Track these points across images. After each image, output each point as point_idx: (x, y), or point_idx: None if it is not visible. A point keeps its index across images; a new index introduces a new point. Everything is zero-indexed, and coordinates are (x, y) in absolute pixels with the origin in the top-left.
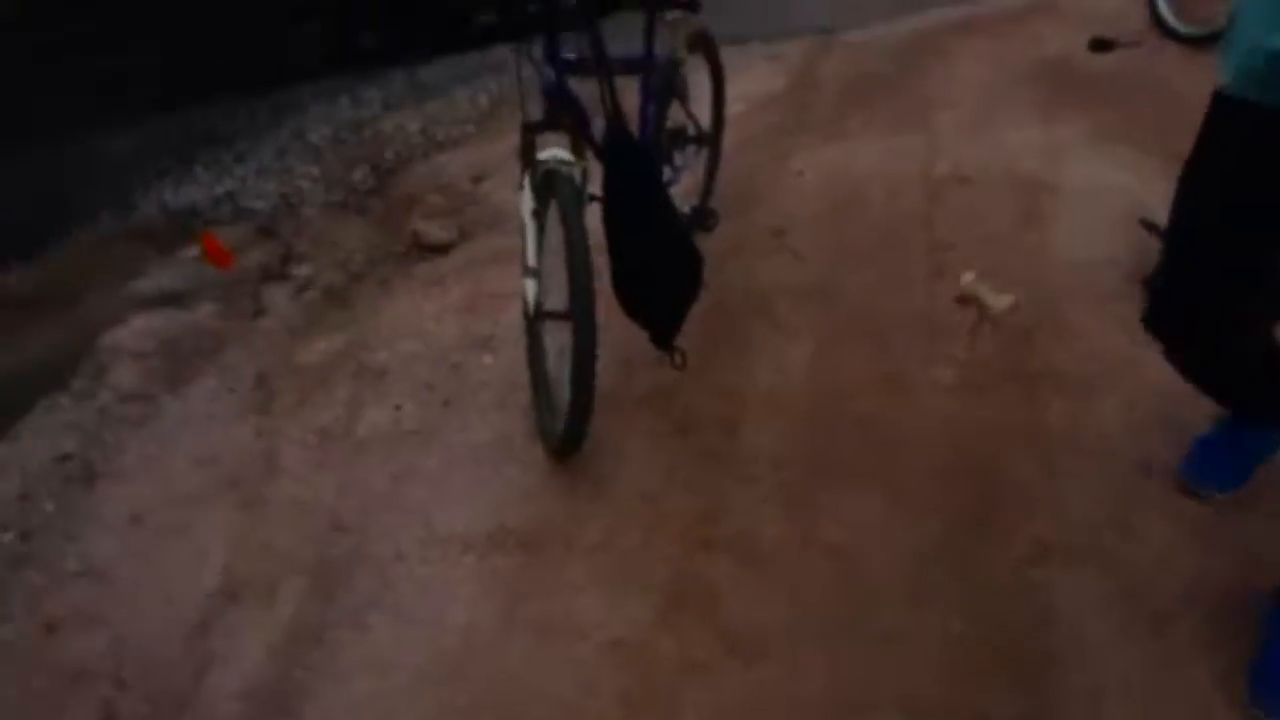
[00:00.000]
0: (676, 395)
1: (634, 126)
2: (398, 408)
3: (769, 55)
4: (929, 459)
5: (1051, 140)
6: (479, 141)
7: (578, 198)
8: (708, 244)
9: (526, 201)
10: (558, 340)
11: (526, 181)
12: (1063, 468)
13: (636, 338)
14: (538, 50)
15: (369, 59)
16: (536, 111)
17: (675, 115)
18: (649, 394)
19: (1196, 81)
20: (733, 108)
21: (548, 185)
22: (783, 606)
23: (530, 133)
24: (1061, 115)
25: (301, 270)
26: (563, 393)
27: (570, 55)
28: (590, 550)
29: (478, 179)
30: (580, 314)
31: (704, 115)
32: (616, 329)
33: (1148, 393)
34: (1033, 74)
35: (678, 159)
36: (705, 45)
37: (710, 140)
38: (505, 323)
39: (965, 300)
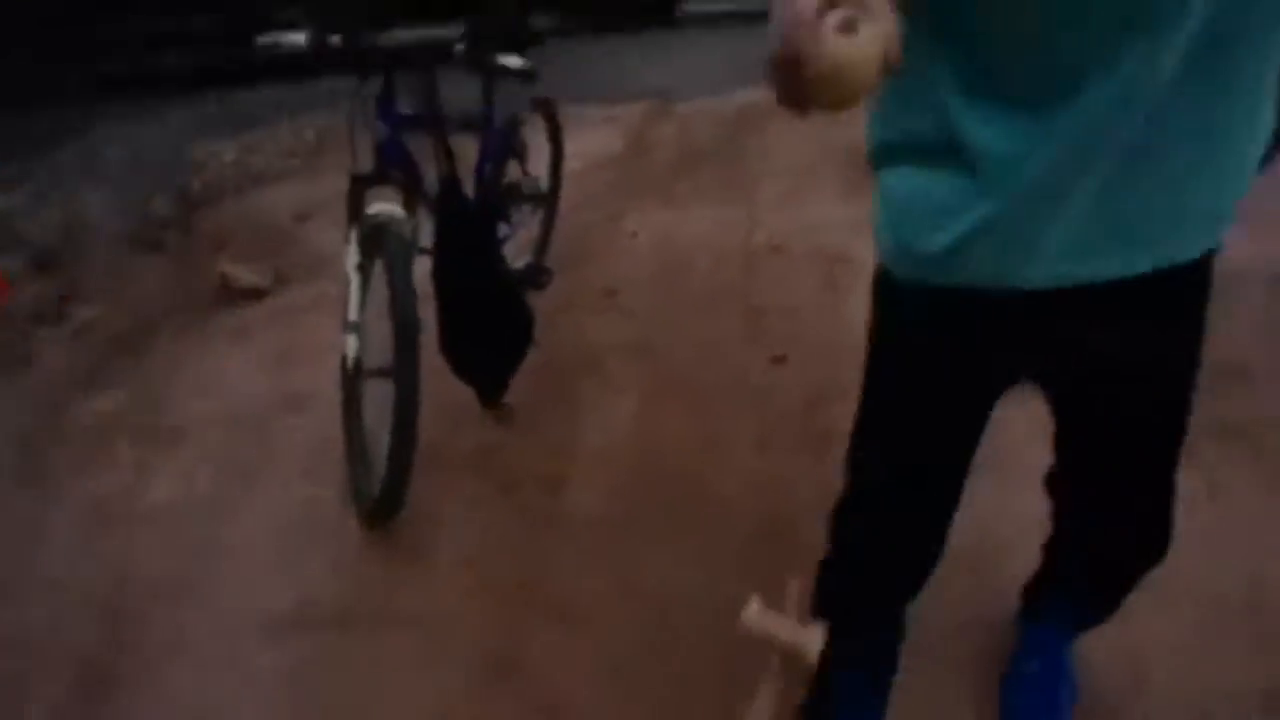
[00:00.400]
0: (501, 453)
1: (469, 183)
2: (190, 476)
3: (607, 117)
4: (739, 515)
5: (851, 216)
6: (303, 177)
7: (406, 254)
8: (541, 301)
9: (351, 255)
10: (376, 399)
11: (353, 235)
12: None
13: (461, 394)
14: (371, 103)
15: (177, 76)
16: (367, 162)
17: (512, 173)
18: (473, 452)
19: None
20: (570, 165)
21: (375, 239)
22: (604, 667)
23: (360, 185)
24: (862, 193)
25: (82, 312)
26: (380, 454)
27: (405, 110)
28: (404, 623)
29: (301, 217)
30: (404, 372)
31: (542, 174)
32: (439, 385)
33: None
34: (841, 153)
35: (514, 216)
36: (544, 107)
37: (547, 200)
38: (321, 378)
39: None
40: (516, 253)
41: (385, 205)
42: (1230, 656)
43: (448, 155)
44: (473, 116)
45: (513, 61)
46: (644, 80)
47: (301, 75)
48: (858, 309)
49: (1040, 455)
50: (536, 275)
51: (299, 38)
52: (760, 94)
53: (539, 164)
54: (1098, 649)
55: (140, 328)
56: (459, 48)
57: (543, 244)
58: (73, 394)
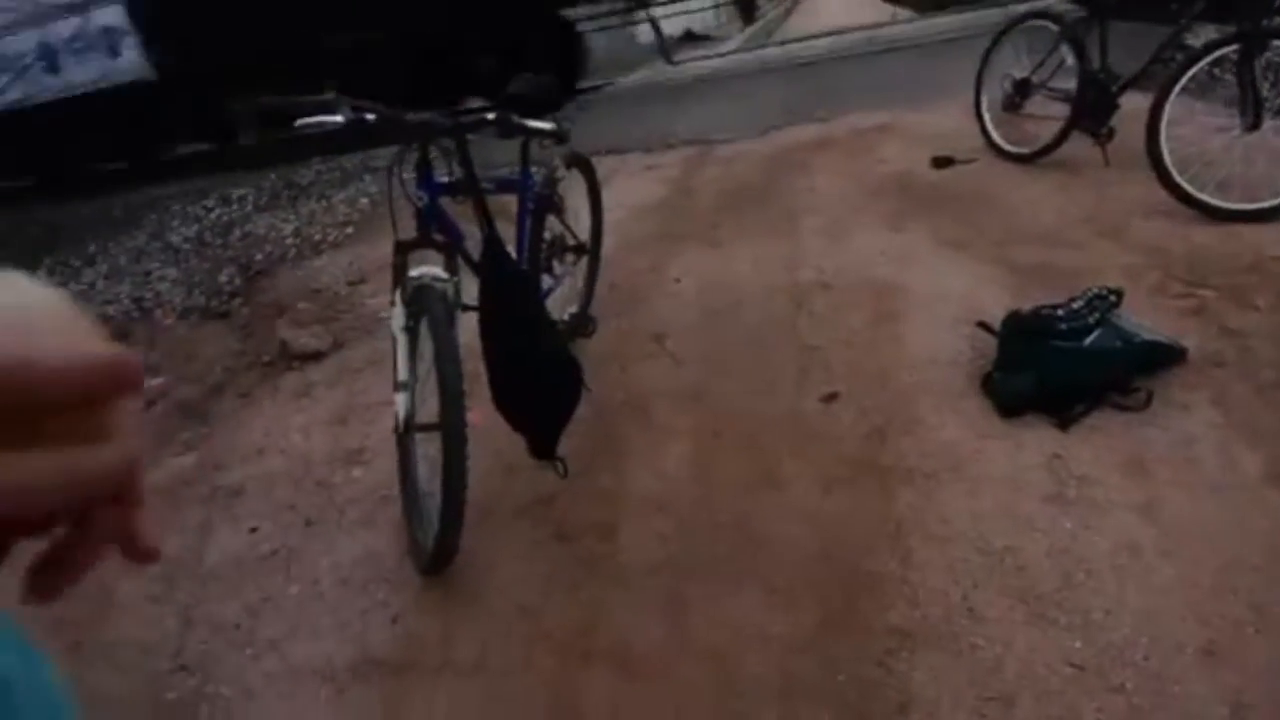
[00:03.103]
0: (556, 502)
1: (511, 241)
2: (254, 530)
3: (649, 165)
4: (797, 554)
5: (899, 246)
6: (356, 244)
7: (449, 313)
8: (588, 349)
9: (398, 317)
10: (429, 453)
11: (398, 297)
12: (915, 558)
13: (518, 444)
14: (409, 172)
15: (241, 156)
16: (409, 228)
17: (553, 227)
18: (529, 502)
19: (1023, 194)
20: (614, 214)
21: (419, 300)
22: (664, 716)
23: (403, 249)
24: (906, 225)
25: (152, 382)
26: (434, 506)
27: (443, 178)
28: (464, 672)
29: (355, 282)
30: (450, 427)
31: (583, 227)
32: (498, 436)
33: (986, 481)
34: (881, 187)
35: (557, 268)
36: (580, 163)
37: (587, 251)
38: (377, 434)
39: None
40: (563, 305)
41: (427, 268)
42: None
43: (486, 217)
44: (509, 178)
45: (542, 125)
46: (684, 130)
47: (349, 148)
48: (910, 340)
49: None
50: (582, 326)
51: (337, 119)
52: (791, 138)
53: (580, 218)
54: None
55: (207, 393)
56: (488, 116)
57: (588, 294)
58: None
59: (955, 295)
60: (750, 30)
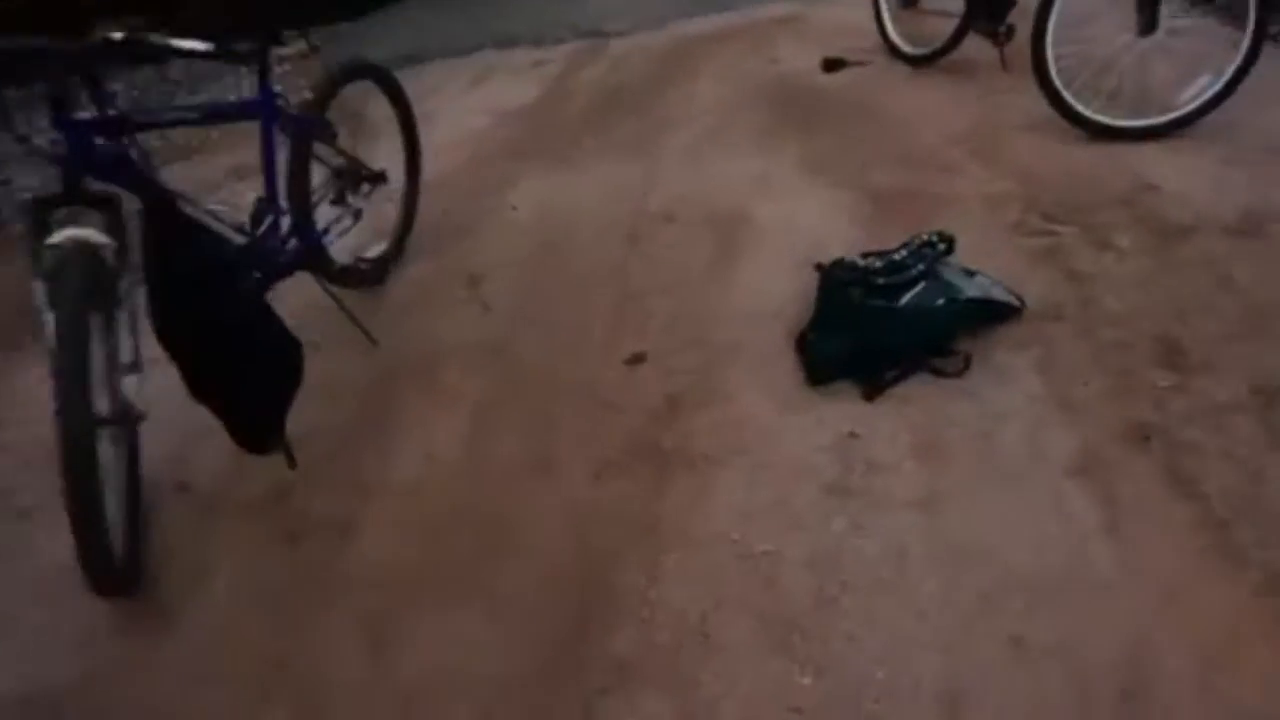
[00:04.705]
0: (293, 494)
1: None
2: None
3: (536, 61)
4: (543, 562)
5: (761, 169)
6: None
7: (94, 285)
8: (391, 294)
9: (38, 293)
10: (104, 451)
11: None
12: (664, 568)
13: None
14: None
15: None
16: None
17: (332, 158)
18: (262, 496)
19: (908, 104)
20: (477, 122)
21: (58, 271)
22: None
23: (42, 209)
24: (777, 142)
25: None
26: (118, 512)
27: (87, 116)
28: (139, 712)
29: None
30: (69, 429)
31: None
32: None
33: (770, 468)
34: (764, 93)
35: (350, 202)
36: (377, 76)
37: (385, 179)
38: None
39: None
40: (357, 247)
41: (74, 230)
42: None
43: (144, 162)
44: (236, 103)
45: (194, 44)
46: (580, 18)
47: None
48: (741, 286)
49: None
50: (354, 273)
51: None
52: (691, 30)
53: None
54: None
55: None
56: (115, 38)
57: (402, 229)
58: None
59: (804, 229)
60: None
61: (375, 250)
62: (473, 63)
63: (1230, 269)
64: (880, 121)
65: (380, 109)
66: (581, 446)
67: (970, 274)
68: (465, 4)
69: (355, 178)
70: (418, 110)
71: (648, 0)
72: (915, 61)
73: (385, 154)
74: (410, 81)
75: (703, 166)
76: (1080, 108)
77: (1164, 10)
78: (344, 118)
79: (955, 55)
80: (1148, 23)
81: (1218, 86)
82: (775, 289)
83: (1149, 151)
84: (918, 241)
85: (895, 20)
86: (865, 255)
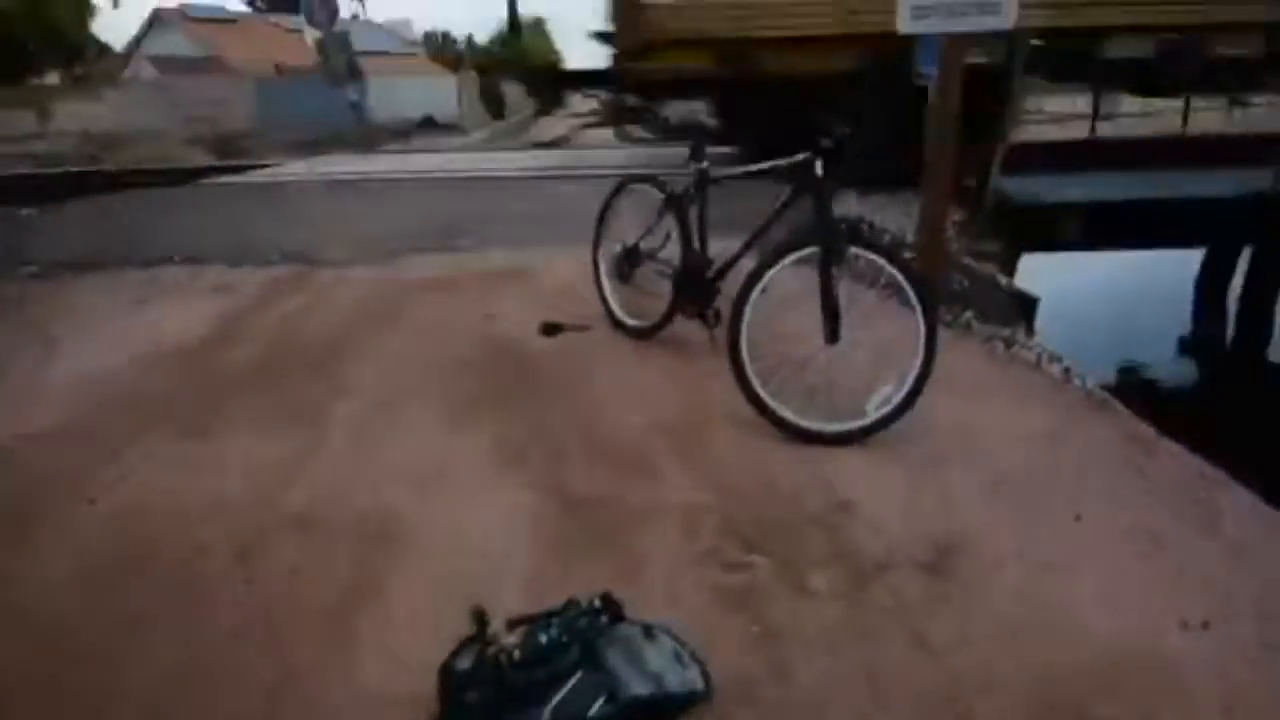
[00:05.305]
0: None
1: None
2: None
3: (221, 285)
4: None
5: (441, 459)
6: None
7: None
8: None
9: None
10: None
11: None
12: None
13: None
14: None
15: None
16: None
17: None
18: None
19: (620, 381)
20: (107, 360)
21: None
22: None
23: None
24: (470, 420)
25: None
26: None
27: None
28: None
29: None
30: None
31: None
32: None
33: None
34: (470, 356)
35: None
36: None
37: None
38: None
39: None
40: None
41: None
42: None
43: None
44: None
45: None
46: (299, 241)
47: None
48: (373, 653)
49: None
50: None
51: None
52: (410, 272)
53: None
54: None
55: None
56: None
57: None
58: None
59: (474, 551)
60: (499, 126)
61: None
62: (148, 277)
63: (925, 624)
64: (589, 401)
65: None
66: None
67: (649, 634)
68: (173, 201)
69: None
70: (43, 334)
71: (383, 230)
72: (634, 334)
73: None
74: (56, 294)
75: (371, 449)
76: (777, 407)
77: (844, 322)
78: None
79: (677, 329)
80: (832, 332)
81: (899, 396)
82: (414, 656)
83: (845, 459)
84: (577, 609)
85: (615, 292)
86: (513, 623)
